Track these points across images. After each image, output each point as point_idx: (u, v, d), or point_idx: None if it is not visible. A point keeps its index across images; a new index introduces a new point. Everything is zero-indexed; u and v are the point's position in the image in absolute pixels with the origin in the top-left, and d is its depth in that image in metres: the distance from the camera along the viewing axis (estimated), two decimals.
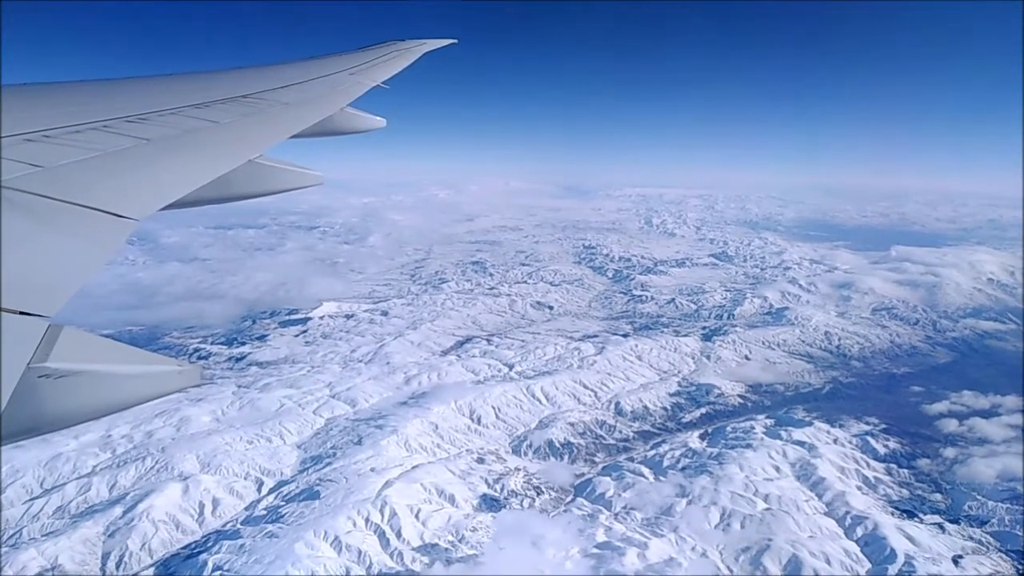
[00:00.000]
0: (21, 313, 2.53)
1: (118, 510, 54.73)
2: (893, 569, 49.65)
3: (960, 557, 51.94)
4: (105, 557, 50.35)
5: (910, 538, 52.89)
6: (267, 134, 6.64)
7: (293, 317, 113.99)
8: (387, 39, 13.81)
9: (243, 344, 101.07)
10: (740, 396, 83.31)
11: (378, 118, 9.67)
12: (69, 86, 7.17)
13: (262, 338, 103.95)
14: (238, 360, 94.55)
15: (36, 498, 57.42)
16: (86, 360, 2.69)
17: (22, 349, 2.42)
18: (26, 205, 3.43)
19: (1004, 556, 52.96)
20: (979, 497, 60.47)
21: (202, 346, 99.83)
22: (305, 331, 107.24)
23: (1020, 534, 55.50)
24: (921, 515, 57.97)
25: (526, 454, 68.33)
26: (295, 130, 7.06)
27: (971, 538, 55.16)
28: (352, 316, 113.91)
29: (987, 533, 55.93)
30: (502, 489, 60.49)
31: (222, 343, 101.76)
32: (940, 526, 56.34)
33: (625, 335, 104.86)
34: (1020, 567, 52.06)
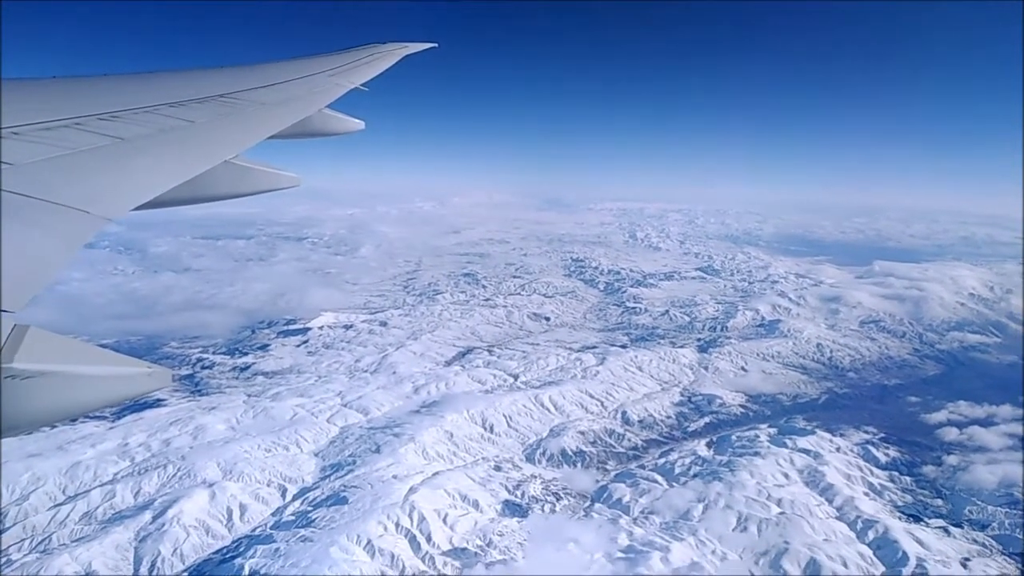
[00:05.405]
0: None
1: (147, 516, 55.05)
2: (907, 571, 51.56)
3: (968, 560, 54.08)
4: (138, 562, 50.72)
5: (919, 541, 54.92)
6: (243, 134, 6.59)
7: (292, 327, 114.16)
8: (368, 42, 13.83)
9: (245, 354, 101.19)
10: (741, 406, 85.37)
11: (356, 120, 9.78)
12: (40, 82, 7.00)
13: (264, 348, 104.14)
14: (243, 370, 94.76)
15: (61, 504, 57.45)
16: (53, 361, 2.65)
17: None
18: None
19: (1008, 559, 55.26)
20: (978, 502, 62.80)
21: (204, 356, 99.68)
22: (306, 341, 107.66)
23: (1021, 537, 57.88)
24: (926, 519, 60.22)
25: (540, 462, 69.64)
26: (272, 131, 7.02)
27: (975, 541, 57.33)
28: (351, 326, 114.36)
29: (989, 536, 58.16)
30: (523, 495, 61.81)
31: (224, 353, 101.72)
32: (945, 530, 58.50)
33: (624, 346, 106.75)
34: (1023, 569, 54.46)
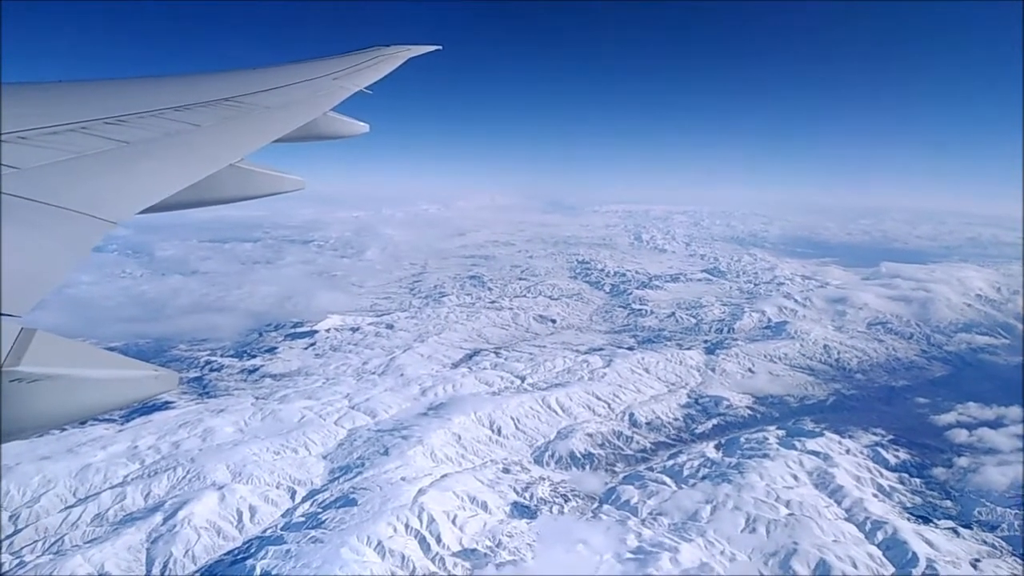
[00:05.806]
0: None
1: (158, 517, 55.37)
2: (916, 572, 51.58)
3: (978, 560, 54.01)
4: (150, 563, 51.02)
5: (929, 542, 54.88)
6: (249, 138, 6.62)
7: (300, 330, 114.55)
8: (372, 43, 13.89)
9: (253, 356, 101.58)
10: (749, 408, 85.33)
11: (361, 123, 9.79)
12: (46, 86, 7.00)
13: (272, 350, 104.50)
14: (251, 372, 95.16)
15: (72, 507, 57.79)
16: (61, 364, 2.65)
17: None
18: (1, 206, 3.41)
19: (1018, 560, 55.15)
20: (988, 503, 62.71)
21: (212, 359, 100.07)
22: (313, 344, 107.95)
23: None
24: (935, 520, 60.18)
25: (548, 464, 69.75)
26: (277, 134, 7.04)
27: (984, 542, 57.29)
28: (358, 329, 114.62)
29: (999, 538, 58.08)
30: (531, 497, 61.95)
31: (232, 356, 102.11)
32: (954, 531, 58.47)
33: (630, 348, 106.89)
34: None
